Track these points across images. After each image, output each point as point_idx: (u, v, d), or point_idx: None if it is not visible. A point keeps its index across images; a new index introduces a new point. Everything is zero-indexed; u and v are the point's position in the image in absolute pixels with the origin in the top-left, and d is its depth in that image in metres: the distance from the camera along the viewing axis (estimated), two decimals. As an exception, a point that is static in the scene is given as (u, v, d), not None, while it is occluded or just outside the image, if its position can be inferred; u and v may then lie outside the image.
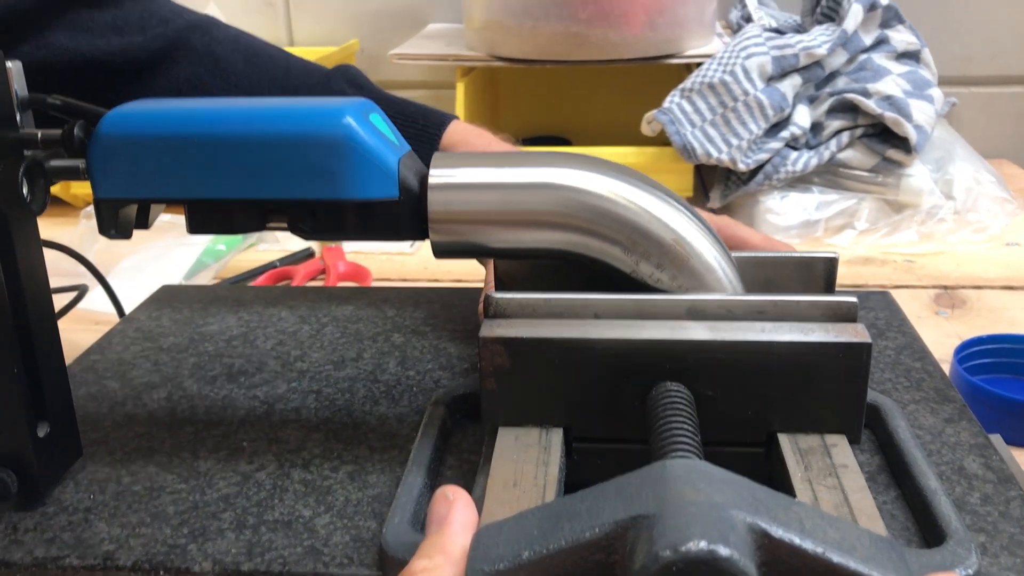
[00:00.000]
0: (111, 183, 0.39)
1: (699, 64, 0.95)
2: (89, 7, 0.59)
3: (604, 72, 1.00)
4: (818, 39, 0.94)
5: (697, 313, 0.38)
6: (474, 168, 0.39)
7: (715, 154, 0.89)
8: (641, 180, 0.40)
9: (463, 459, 0.43)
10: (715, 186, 0.95)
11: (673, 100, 0.91)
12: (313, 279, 0.86)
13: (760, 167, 0.91)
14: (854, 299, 0.38)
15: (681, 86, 0.91)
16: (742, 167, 0.89)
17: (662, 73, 1.04)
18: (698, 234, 0.39)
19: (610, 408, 0.38)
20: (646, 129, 0.94)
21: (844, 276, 0.83)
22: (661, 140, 0.96)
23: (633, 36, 0.94)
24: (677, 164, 0.93)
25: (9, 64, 0.38)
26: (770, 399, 0.37)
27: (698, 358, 0.37)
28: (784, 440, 0.37)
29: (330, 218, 0.39)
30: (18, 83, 0.39)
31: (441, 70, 1.13)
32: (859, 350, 0.36)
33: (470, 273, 0.84)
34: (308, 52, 1.14)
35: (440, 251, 0.40)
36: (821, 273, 0.43)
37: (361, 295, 0.62)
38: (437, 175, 0.39)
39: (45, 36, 0.57)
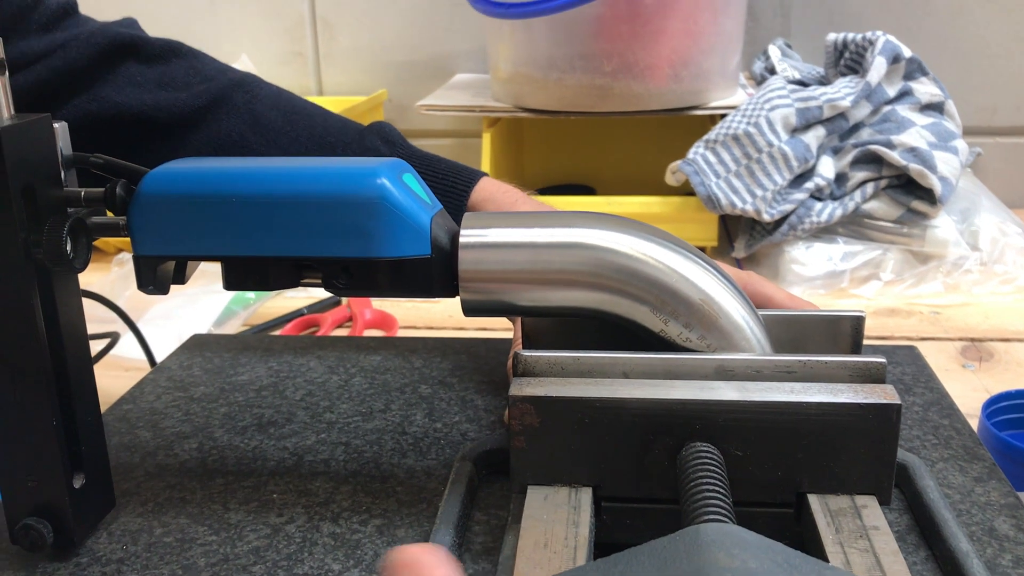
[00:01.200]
0: (151, 241, 0.40)
1: (723, 115, 0.96)
2: (139, 63, 0.61)
3: (628, 122, 1.01)
4: (842, 91, 0.94)
5: (726, 373, 0.38)
6: (504, 228, 0.40)
7: (740, 205, 0.89)
8: (668, 239, 0.40)
9: (491, 515, 0.43)
10: (739, 236, 0.95)
11: (698, 151, 0.92)
12: (340, 326, 0.87)
13: (785, 217, 0.91)
14: (883, 360, 0.38)
15: (706, 137, 0.92)
16: (767, 218, 0.90)
17: (685, 124, 1.05)
18: (726, 293, 0.39)
19: (639, 468, 0.38)
20: (670, 179, 0.94)
21: (870, 328, 0.83)
22: (685, 190, 0.97)
23: (657, 88, 0.95)
24: (701, 214, 0.94)
25: (56, 124, 0.39)
26: (799, 460, 0.37)
27: (727, 418, 0.37)
28: (814, 501, 0.37)
29: (363, 275, 0.40)
30: (63, 142, 0.40)
31: (468, 120, 1.15)
32: (888, 412, 0.36)
33: (495, 322, 0.84)
34: (337, 102, 1.17)
35: (470, 309, 0.40)
36: (848, 331, 0.43)
37: (388, 345, 0.63)
38: (468, 235, 0.40)
39: (96, 90, 0.59)
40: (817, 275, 0.90)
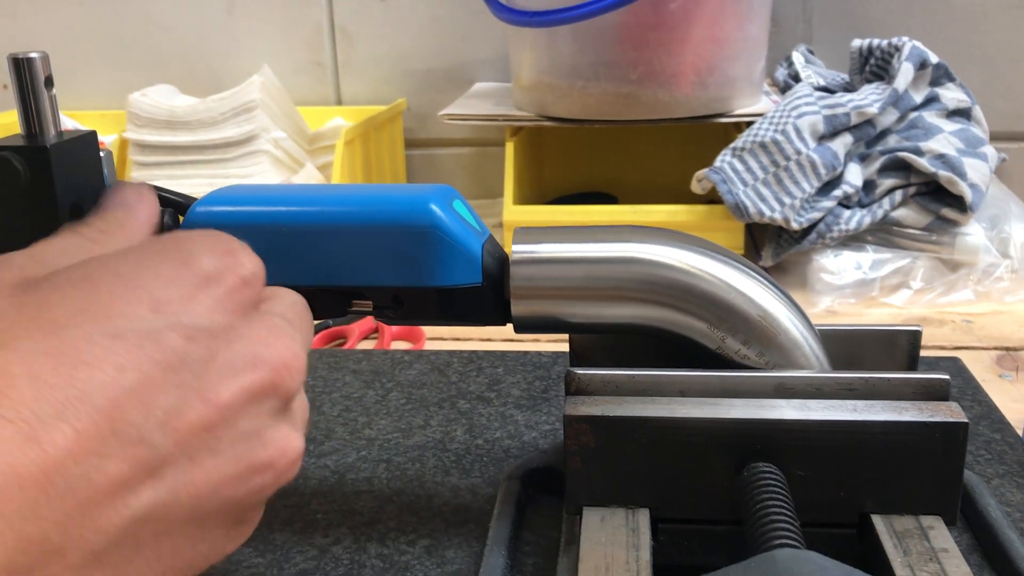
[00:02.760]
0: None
1: (749, 123, 0.95)
2: None
3: (650, 130, 1.00)
4: (869, 98, 0.93)
5: (786, 391, 0.37)
6: (557, 244, 0.39)
7: (768, 213, 0.89)
8: (724, 254, 0.39)
9: (541, 535, 0.42)
10: (767, 245, 0.94)
11: (724, 159, 0.91)
12: (366, 338, 0.86)
13: (813, 226, 0.90)
14: (946, 376, 0.37)
15: (732, 145, 0.91)
16: (795, 226, 0.89)
17: (709, 131, 1.04)
18: (784, 309, 0.39)
19: (698, 488, 0.37)
20: (696, 187, 0.94)
21: (902, 337, 0.82)
22: (708, 198, 0.96)
23: (683, 95, 0.94)
24: (727, 222, 0.93)
25: (101, 152, 0.39)
26: (863, 479, 0.36)
27: (789, 438, 0.36)
28: (879, 522, 0.36)
29: (414, 304, 0.39)
30: (108, 170, 0.39)
31: (488, 128, 1.14)
32: (955, 430, 0.35)
33: (525, 335, 0.84)
34: (356, 111, 1.16)
35: (521, 326, 0.40)
36: (904, 347, 0.43)
37: (423, 359, 0.62)
38: (520, 250, 0.39)
39: None
40: (847, 283, 0.89)
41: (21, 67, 0.36)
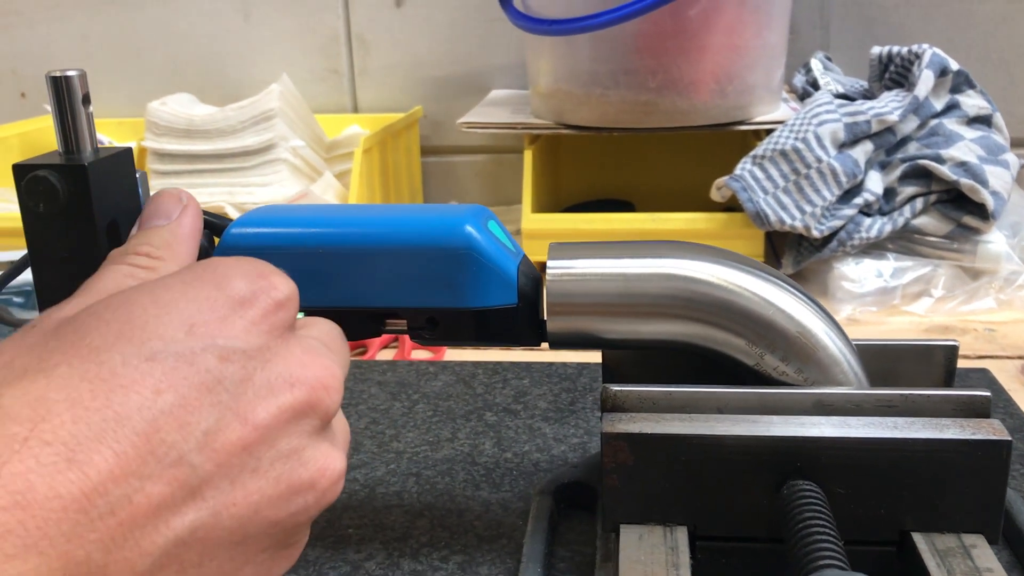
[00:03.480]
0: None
1: (768, 131, 0.95)
2: None
3: (668, 137, 1.00)
4: (889, 105, 0.93)
5: (825, 408, 0.37)
6: (593, 259, 0.39)
7: (789, 221, 0.88)
8: (761, 270, 0.39)
9: (574, 551, 0.42)
10: (787, 253, 0.94)
11: (745, 167, 0.91)
12: (387, 346, 0.86)
13: (833, 234, 0.90)
14: (987, 393, 0.37)
15: (753, 153, 0.91)
16: (816, 234, 0.88)
17: (727, 139, 1.03)
18: (822, 324, 0.38)
19: (736, 506, 0.37)
20: (716, 195, 0.93)
21: (925, 346, 0.81)
22: (727, 206, 0.96)
23: (703, 103, 0.94)
24: (747, 230, 0.93)
25: (137, 173, 0.39)
26: (903, 497, 0.36)
27: (829, 456, 0.36)
28: (920, 540, 0.36)
29: (449, 325, 0.39)
30: (142, 189, 0.39)
31: (504, 135, 1.14)
32: (998, 448, 0.35)
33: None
34: (372, 119, 1.16)
35: (557, 342, 0.39)
36: (941, 362, 0.42)
37: (448, 370, 0.62)
38: (556, 266, 0.39)
39: None
40: (868, 292, 0.88)
41: (59, 85, 0.36)
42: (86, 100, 0.37)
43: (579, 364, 0.62)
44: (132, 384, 0.25)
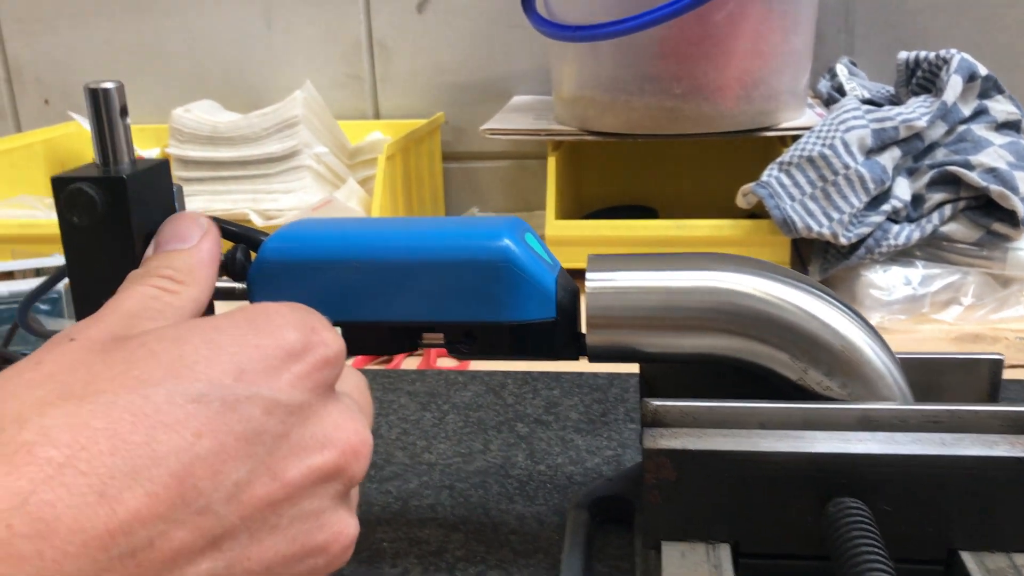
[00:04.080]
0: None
1: (794, 137, 0.94)
2: None
3: (692, 143, 0.99)
4: (917, 111, 0.92)
5: (870, 423, 0.36)
6: (633, 271, 0.38)
7: (816, 228, 0.87)
8: (803, 282, 0.39)
9: (611, 567, 0.42)
10: (813, 260, 0.93)
11: (771, 173, 0.90)
12: (410, 355, 0.86)
13: (861, 241, 0.89)
14: (1036, 409, 0.36)
15: (779, 159, 0.90)
16: (844, 241, 0.88)
17: (751, 144, 1.03)
18: (866, 338, 0.38)
19: (780, 523, 0.36)
20: (742, 202, 0.93)
21: (955, 354, 0.80)
22: (751, 212, 0.95)
23: (728, 110, 0.93)
24: (773, 237, 0.92)
25: (173, 185, 0.39)
26: (951, 515, 0.35)
27: (875, 472, 0.35)
28: (968, 559, 0.35)
29: (487, 339, 0.39)
30: (179, 204, 0.39)
31: (529, 141, 1.13)
32: (1049, 466, 0.34)
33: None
34: (394, 125, 1.16)
35: (596, 355, 0.39)
36: (985, 375, 0.42)
37: (477, 380, 0.61)
38: (595, 278, 0.38)
39: None
40: (896, 300, 0.88)
41: (98, 97, 0.36)
42: (123, 112, 0.36)
43: (609, 374, 0.61)
44: (174, 424, 0.25)
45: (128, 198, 0.36)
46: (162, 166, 0.38)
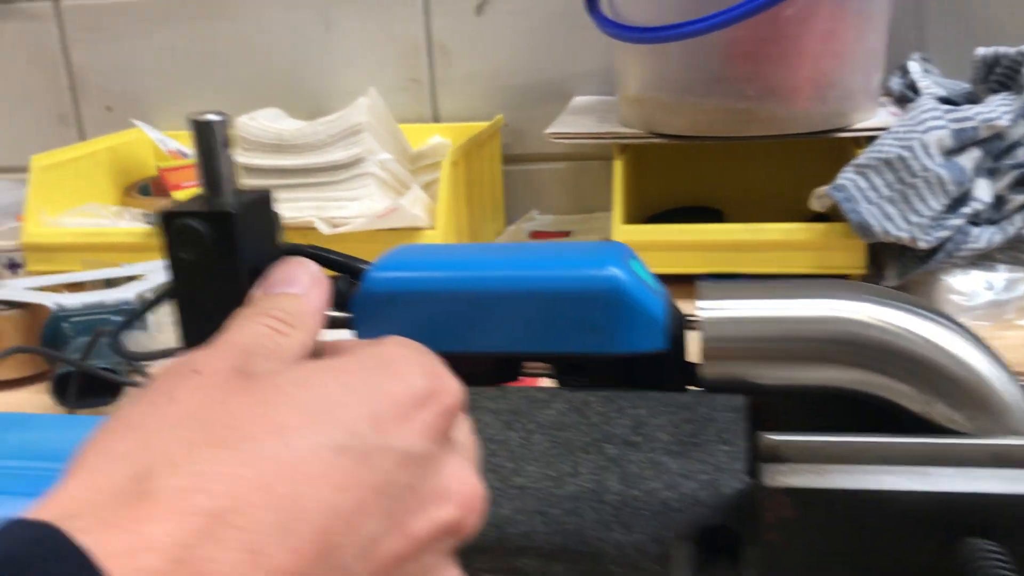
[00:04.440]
0: (374, 336, 0.39)
1: (868, 138, 0.92)
2: None
3: (757, 144, 0.97)
4: (997, 110, 0.89)
5: (1005, 460, 0.35)
6: (748, 299, 0.37)
7: (894, 232, 0.85)
8: (925, 309, 0.37)
9: (722, 601, 0.41)
10: (889, 264, 0.91)
11: (847, 176, 0.88)
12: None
13: (940, 244, 0.86)
14: None
15: (855, 161, 0.88)
16: (923, 245, 0.85)
17: (818, 145, 1.00)
18: (993, 369, 0.36)
19: (903, 563, 0.35)
20: (816, 204, 0.91)
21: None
22: (816, 214, 0.93)
23: (801, 111, 0.91)
24: (848, 240, 0.90)
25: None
26: (1093, 558, 0.34)
27: (1011, 513, 0.34)
28: (1112, 605, 0.34)
29: (593, 371, 0.38)
30: (278, 233, 0.39)
31: (589, 143, 1.12)
32: None
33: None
34: (453, 128, 1.15)
35: (710, 387, 0.38)
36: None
37: (559, 397, 0.60)
38: (709, 307, 0.37)
39: None
40: (978, 305, 0.85)
41: (202, 129, 0.35)
42: (228, 143, 0.36)
43: (696, 392, 0.60)
44: (318, 476, 0.25)
45: (235, 231, 0.35)
46: (264, 197, 0.38)
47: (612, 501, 0.49)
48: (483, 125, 1.12)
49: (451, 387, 0.29)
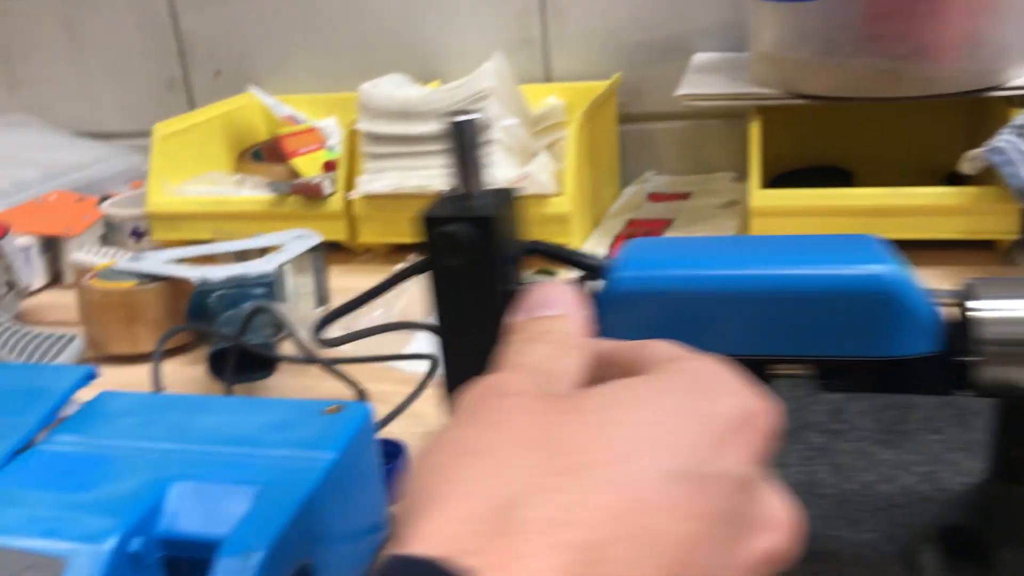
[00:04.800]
0: (619, 337, 0.37)
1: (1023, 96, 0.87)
2: None
3: (897, 104, 0.93)
4: None
5: None
6: (1029, 300, 0.35)
7: (1057, 197, 0.81)
8: None
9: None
10: (1045, 229, 0.87)
11: (1005, 138, 0.84)
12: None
13: (1104, 209, 0.82)
14: None
15: (1014, 122, 0.84)
16: (1087, 210, 0.81)
17: (962, 106, 0.96)
18: None
19: None
20: (967, 167, 0.87)
21: None
22: (954, 176, 0.89)
23: (953, 69, 0.86)
24: (1000, 205, 0.86)
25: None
26: None
27: None
28: None
29: (855, 375, 0.36)
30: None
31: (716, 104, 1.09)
32: None
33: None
34: (567, 88, 1.13)
35: (987, 392, 0.36)
36: None
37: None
38: (985, 307, 0.35)
39: None
40: None
41: (459, 130, 0.34)
42: (483, 144, 0.34)
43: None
44: (662, 507, 0.24)
45: (494, 235, 0.34)
46: (508, 194, 0.37)
47: (831, 495, 0.47)
48: (599, 84, 1.09)
49: (766, 409, 0.28)
